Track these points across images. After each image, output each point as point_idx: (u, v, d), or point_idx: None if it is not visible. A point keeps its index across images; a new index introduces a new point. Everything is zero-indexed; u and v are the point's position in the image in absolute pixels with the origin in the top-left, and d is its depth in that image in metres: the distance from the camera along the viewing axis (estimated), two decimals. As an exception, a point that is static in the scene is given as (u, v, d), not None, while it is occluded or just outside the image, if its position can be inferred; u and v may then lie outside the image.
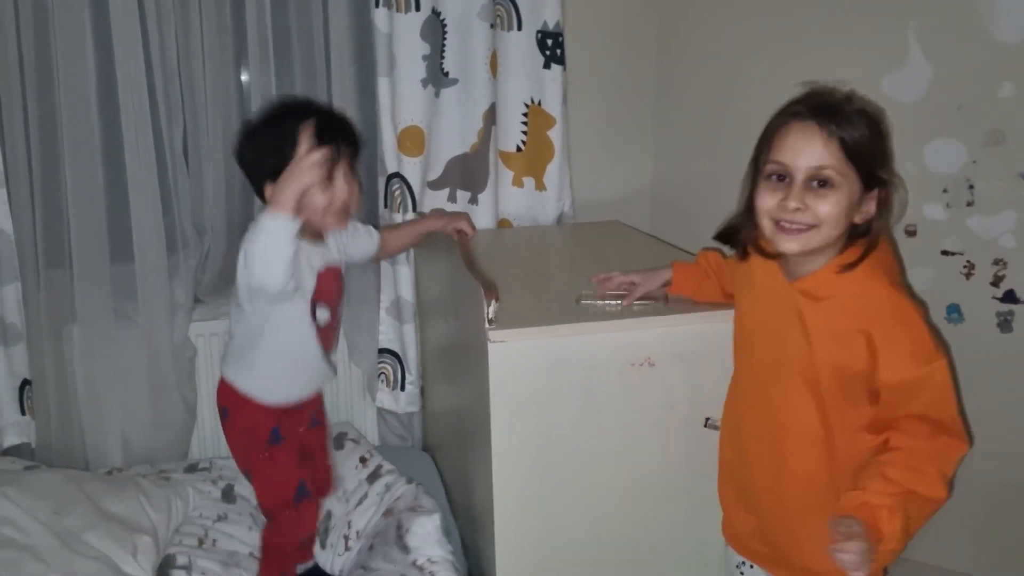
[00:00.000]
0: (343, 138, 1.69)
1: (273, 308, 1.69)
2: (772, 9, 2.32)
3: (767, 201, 1.31)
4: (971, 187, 2.03)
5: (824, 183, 1.27)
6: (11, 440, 2.24)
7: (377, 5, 2.19)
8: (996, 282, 2.03)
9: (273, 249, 1.51)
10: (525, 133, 2.41)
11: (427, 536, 1.86)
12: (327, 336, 1.82)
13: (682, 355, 1.60)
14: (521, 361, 1.55)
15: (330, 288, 1.79)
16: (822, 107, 1.29)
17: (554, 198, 2.47)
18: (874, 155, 1.30)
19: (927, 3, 2.03)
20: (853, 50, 2.14)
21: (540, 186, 2.46)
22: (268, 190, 1.62)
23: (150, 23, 2.11)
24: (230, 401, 1.82)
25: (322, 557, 2.03)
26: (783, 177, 1.30)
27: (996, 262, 2.03)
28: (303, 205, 1.56)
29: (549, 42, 2.35)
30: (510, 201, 2.46)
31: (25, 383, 2.24)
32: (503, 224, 2.47)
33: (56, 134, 2.11)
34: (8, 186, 2.12)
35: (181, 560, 1.88)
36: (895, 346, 1.27)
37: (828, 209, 1.27)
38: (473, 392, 1.70)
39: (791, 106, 1.33)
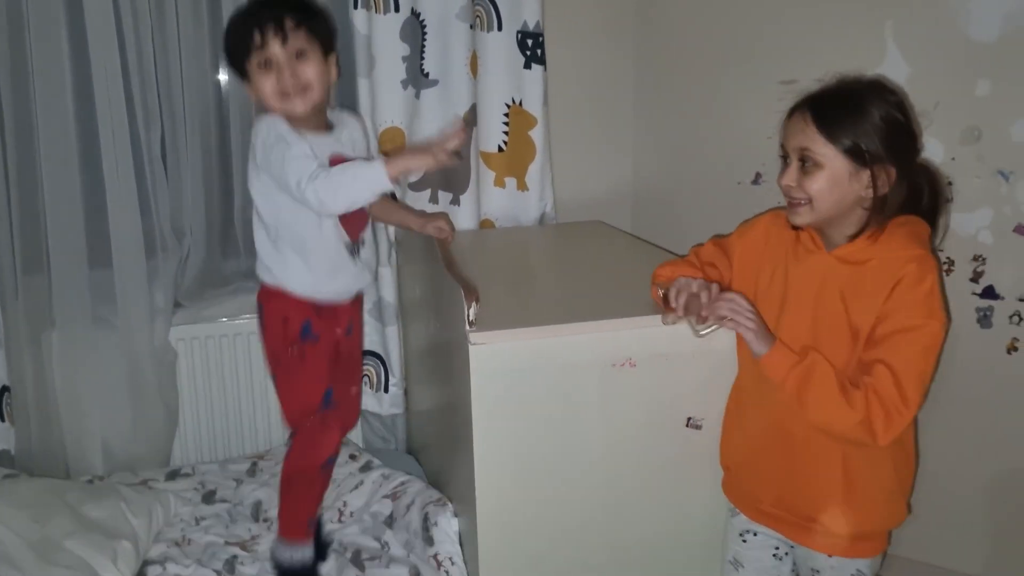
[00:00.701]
0: (268, 20, 1.65)
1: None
2: (751, 8, 2.33)
3: (780, 179, 1.47)
4: (950, 184, 2.03)
5: (811, 162, 1.41)
6: (-10, 447, 2.23)
7: (356, 6, 2.18)
8: (975, 278, 2.04)
9: (357, 194, 1.63)
10: (506, 134, 2.41)
11: (453, 534, 1.82)
12: (351, 227, 1.80)
13: (663, 355, 1.61)
14: (502, 363, 1.54)
15: None
16: (817, 96, 1.45)
17: (536, 198, 2.47)
18: (859, 135, 1.39)
19: (903, 2, 2.04)
20: (831, 48, 2.15)
21: (522, 186, 2.46)
22: (246, 87, 1.72)
23: (126, 25, 2.09)
24: (264, 296, 1.82)
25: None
26: (787, 158, 1.46)
27: (975, 258, 2.04)
28: (256, 91, 1.69)
29: (529, 42, 2.35)
30: (492, 202, 2.46)
31: (4, 389, 2.22)
32: (485, 225, 2.47)
33: (32, 138, 2.09)
34: (-16, 191, 2.10)
35: (157, 558, 1.88)
36: (908, 291, 1.38)
37: (814, 186, 1.41)
38: (455, 394, 1.69)
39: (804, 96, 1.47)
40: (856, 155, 1.39)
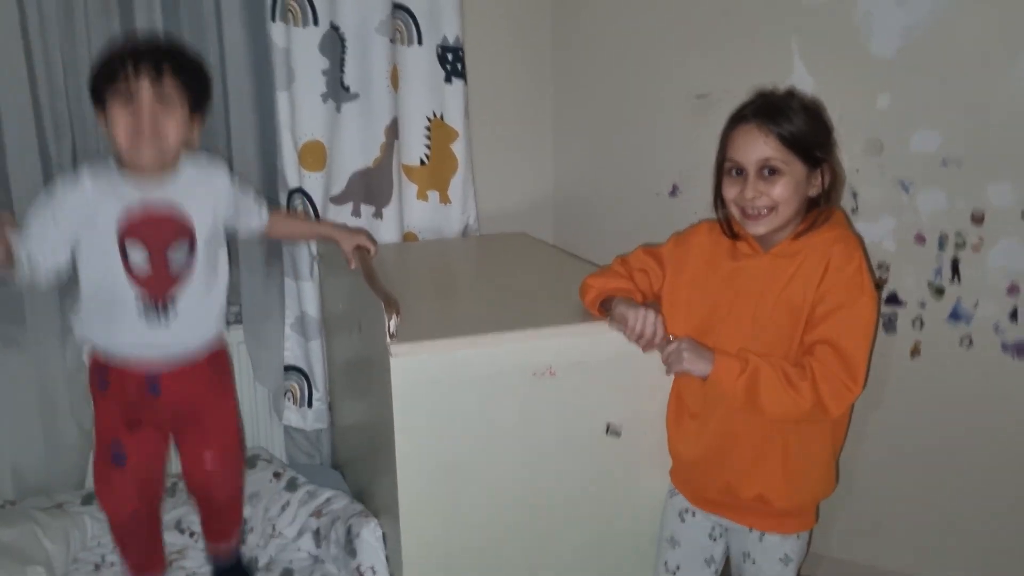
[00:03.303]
0: (147, 57, 1.59)
1: (80, 234, 1.64)
2: (665, 24, 2.39)
3: (730, 192, 1.56)
4: (854, 194, 2.12)
5: (772, 171, 1.50)
6: None
7: (274, 19, 2.17)
8: (880, 285, 2.13)
9: None
10: (428, 147, 2.42)
11: (375, 544, 1.82)
12: (152, 284, 1.68)
13: (582, 364, 1.63)
14: (424, 374, 1.55)
15: (152, 226, 1.66)
16: (761, 108, 1.54)
17: (459, 211, 2.49)
18: (811, 140, 1.52)
19: (809, 19, 2.13)
20: (741, 62, 2.22)
21: (445, 199, 2.48)
22: (98, 117, 1.65)
23: (33, 36, 2.03)
24: None
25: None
26: (740, 171, 1.53)
27: (879, 266, 2.12)
28: (109, 126, 1.61)
29: (450, 56, 2.37)
30: (415, 215, 2.47)
31: (-95, 414, 2.13)
32: (409, 238, 2.48)
33: (-66, 152, 2.02)
34: None
35: (76, 587, 1.83)
36: (837, 272, 1.50)
37: (779, 191, 1.51)
38: (377, 406, 1.69)
39: (739, 111, 1.57)
40: (810, 159, 1.52)
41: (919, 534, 2.19)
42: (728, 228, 1.62)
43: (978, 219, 1.99)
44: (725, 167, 1.56)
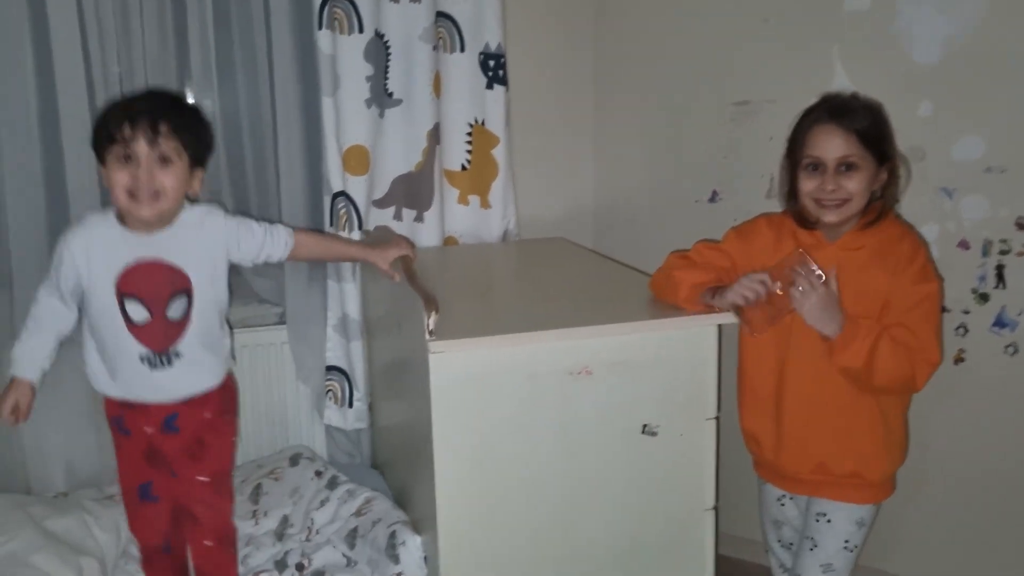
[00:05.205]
0: (144, 117, 1.60)
1: (82, 287, 1.71)
2: (706, 31, 2.41)
3: (807, 185, 1.68)
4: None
5: (849, 166, 1.64)
6: (-51, 467, 2.20)
7: (320, 27, 2.22)
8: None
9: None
10: (470, 152, 2.46)
11: (419, 558, 1.83)
12: (153, 336, 1.71)
13: (619, 363, 1.65)
14: (461, 371, 1.58)
15: (149, 283, 1.69)
16: (836, 109, 1.67)
17: (499, 216, 2.51)
18: (881, 138, 1.68)
19: (850, 27, 2.13)
20: (785, 70, 2.22)
21: (485, 204, 2.51)
22: (103, 171, 1.67)
23: (92, 45, 2.11)
24: None
25: (278, 547, 2.06)
26: (817, 166, 1.67)
27: (922, 273, 2.11)
28: (107, 182, 1.65)
29: (491, 63, 2.41)
30: (456, 219, 2.50)
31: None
32: (449, 242, 2.51)
33: (-5, 157, 2.09)
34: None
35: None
36: (907, 267, 1.66)
37: (855, 185, 1.65)
38: (416, 404, 1.72)
39: (811, 112, 1.71)
40: (881, 157, 1.67)
41: (963, 544, 2.16)
42: (801, 218, 1.73)
43: (1023, 226, 1.97)
44: (803, 163, 1.68)
